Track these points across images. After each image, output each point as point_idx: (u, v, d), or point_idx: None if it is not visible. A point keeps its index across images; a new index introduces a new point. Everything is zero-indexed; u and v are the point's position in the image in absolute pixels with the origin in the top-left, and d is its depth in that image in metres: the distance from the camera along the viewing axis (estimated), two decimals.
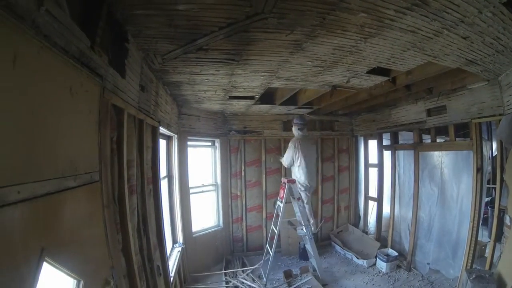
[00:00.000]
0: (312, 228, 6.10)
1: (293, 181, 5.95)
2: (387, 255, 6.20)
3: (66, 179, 1.64)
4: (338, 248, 7.37)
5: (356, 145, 8.23)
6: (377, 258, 6.31)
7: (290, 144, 6.09)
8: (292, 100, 5.94)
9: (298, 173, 5.99)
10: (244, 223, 7.35)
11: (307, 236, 6.05)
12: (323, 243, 7.70)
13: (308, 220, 6.07)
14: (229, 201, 7.24)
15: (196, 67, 3.47)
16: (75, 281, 1.61)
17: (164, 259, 3.97)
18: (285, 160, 6.18)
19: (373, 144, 7.54)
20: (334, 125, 8.02)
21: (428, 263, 5.76)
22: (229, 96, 5.15)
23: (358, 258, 6.61)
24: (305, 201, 6.07)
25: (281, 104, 5.99)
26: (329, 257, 7.10)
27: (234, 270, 6.22)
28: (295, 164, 6.00)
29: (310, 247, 6.14)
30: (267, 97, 5.71)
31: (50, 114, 1.50)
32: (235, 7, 2.15)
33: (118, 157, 2.58)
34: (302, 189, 6.00)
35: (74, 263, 1.62)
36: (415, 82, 4.39)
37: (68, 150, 1.70)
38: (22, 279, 1.19)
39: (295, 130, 6.08)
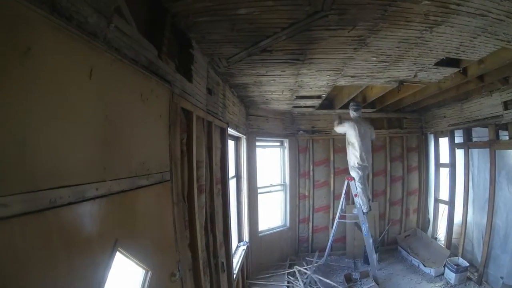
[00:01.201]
0: (364, 209, 5.92)
1: (351, 179, 5.95)
2: (457, 265, 5.60)
3: (139, 178, 1.80)
4: (404, 253, 6.88)
5: (426, 143, 7.59)
6: (446, 268, 5.73)
7: (345, 123, 6.01)
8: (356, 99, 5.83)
9: (352, 153, 5.92)
10: (310, 224, 7.27)
11: (361, 222, 5.88)
12: (389, 247, 7.27)
13: (362, 201, 5.92)
14: (296, 201, 7.21)
15: (261, 68, 3.52)
16: (144, 271, 1.76)
17: (229, 256, 4.10)
18: (337, 130, 6.13)
19: (444, 142, 6.98)
20: (403, 123, 7.53)
21: (502, 277, 5.04)
22: (296, 96, 5.14)
23: (425, 266, 6.10)
24: (357, 179, 5.91)
25: (341, 108, 5.98)
26: (394, 263, 6.67)
27: (297, 269, 6.18)
28: (350, 142, 5.93)
29: (364, 230, 5.89)
30: (334, 96, 5.60)
31: (124, 119, 1.66)
32: (295, 7, 2.15)
33: (188, 158, 2.74)
34: (356, 166, 5.87)
35: (143, 254, 1.77)
36: (489, 71, 3.97)
37: (141, 151, 1.87)
38: (97, 265, 1.34)
39: (351, 112, 6.04)
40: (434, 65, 3.50)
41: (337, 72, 3.74)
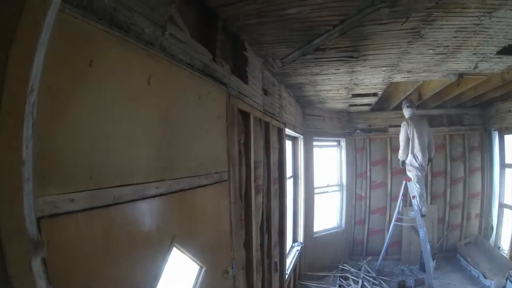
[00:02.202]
0: (422, 210, 5.58)
1: (409, 179, 5.68)
2: None
3: (198, 178, 1.89)
4: (463, 262, 6.19)
5: (490, 141, 6.76)
6: (508, 281, 5.04)
7: (402, 125, 5.73)
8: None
9: (410, 152, 5.64)
10: (366, 226, 7.01)
11: (419, 226, 5.50)
12: (448, 254, 6.63)
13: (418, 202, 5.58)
14: (353, 202, 7.01)
15: (315, 67, 3.49)
16: (198, 267, 1.84)
17: (282, 256, 4.10)
18: (402, 141, 5.75)
19: (510, 139, 6.25)
20: (463, 119, 6.82)
21: None
22: (352, 94, 5.02)
23: (485, 278, 5.45)
24: (415, 180, 5.62)
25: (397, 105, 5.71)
26: (451, 272, 6.07)
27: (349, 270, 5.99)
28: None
29: (421, 234, 5.49)
30: (390, 93, 5.45)
31: (183, 121, 1.76)
32: (345, 2, 2.10)
33: (245, 158, 2.80)
34: (416, 165, 5.58)
35: (199, 251, 1.86)
36: None
37: (200, 152, 1.96)
38: (155, 259, 1.44)
39: (405, 111, 5.77)
40: (496, 54, 3.17)
41: (392, 68, 3.59)
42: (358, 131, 6.99)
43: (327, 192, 6.86)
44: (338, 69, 3.59)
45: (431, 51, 3.05)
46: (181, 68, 1.70)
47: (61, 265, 0.92)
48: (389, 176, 6.92)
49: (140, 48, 1.33)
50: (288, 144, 5.43)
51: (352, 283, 5.59)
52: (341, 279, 5.83)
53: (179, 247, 1.62)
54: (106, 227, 1.14)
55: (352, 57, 3.14)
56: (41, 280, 0.73)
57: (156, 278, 1.42)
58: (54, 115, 0.93)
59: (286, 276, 4.34)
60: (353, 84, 4.33)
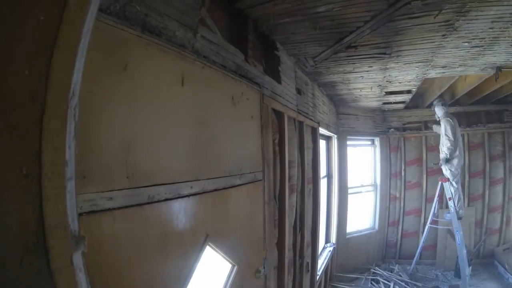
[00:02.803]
0: (459, 212, 5.32)
1: (445, 180, 5.42)
2: None
3: (232, 178, 1.92)
4: (501, 269, 5.72)
5: None
6: None
7: (445, 122, 5.40)
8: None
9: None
10: (400, 227, 6.75)
11: (455, 229, 5.22)
12: (485, 260, 6.18)
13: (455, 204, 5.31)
14: (387, 203, 6.78)
15: (348, 65, 3.44)
16: (230, 265, 1.86)
17: (314, 257, 4.04)
18: (450, 136, 5.36)
19: None
20: (503, 116, 6.28)
21: None
22: (385, 92, 4.91)
23: None
24: (453, 180, 5.38)
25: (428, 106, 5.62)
26: (488, 280, 5.66)
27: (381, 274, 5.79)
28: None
29: (458, 238, 5.17)
30: (425, 89, 5.28)
31: (217, 121, 1.79)
32: None
33: (280, 158, 2.80)
34: (455, 164, 5.37)
35: (231, 250, 1.88)
36: None
37: (234, 152, 1.99)
38: (188, 257, 1.47)
39: (438, 109, 5.55)
40: None
41: (426, 63, 3.46)
42: (392, 129, 6.79)
43: (360, 192, 6.71)
44: (371, 67, 3.51)
45: (466, 44, 2.90)
46: (214, 69, 1.73)
47: (97, 260, 0.96)
48: (424, 176, 6.63)
49: (173, 51, 1.37)
50: (322, 144, 5.36)
51: (383, 287, 5.42)
52: (372, 282, 5.67)
53: (212, 246, 1.65)
54: (141, 224, 1.19)
55: (384, 53, 3.06)
56: (81, 272, 0.77)
57: (188, 276, 1.45)
58: (92, 118, 0.99)
59: (317, 277, 4.29)
60: (386, 81, 4.23)
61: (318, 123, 4.26)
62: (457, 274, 5.71)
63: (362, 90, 4.75)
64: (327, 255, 5.19)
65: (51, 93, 0.76)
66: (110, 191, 1.03)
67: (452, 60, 3.39)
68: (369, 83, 4.29)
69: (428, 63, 3.47)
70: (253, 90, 2.26)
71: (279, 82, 2.78)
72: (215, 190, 1.72)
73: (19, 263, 0.66)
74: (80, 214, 0.86)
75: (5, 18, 0.65)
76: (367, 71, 3.69)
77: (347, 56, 3.14)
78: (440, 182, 5.61)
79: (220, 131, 1.81)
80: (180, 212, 1.45)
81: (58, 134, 0.80)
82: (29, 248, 0.68)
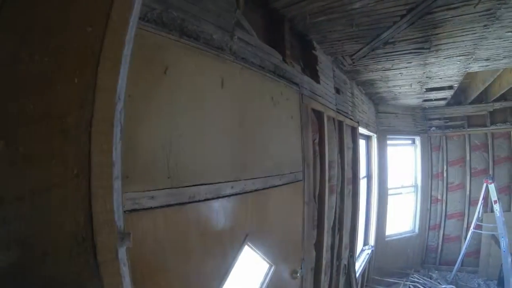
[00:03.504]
0: None
1: (491, 181, 5.04)
2: None
3: (272, 178, 1.93)
4: None
5: None
6: None
7: None
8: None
9: None
10: (441, 231, 6.34)
11: (500, 235, 4.79)
12: None
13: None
14: (428, 205, 6.41)
15: (386, 62, 3.34)
16: (268, 265, 1.86)
17: (352, 259, 3.92)
18: None
19: None
20: None
21: None
22: (426, 89, 4.67)
23: None
24: None
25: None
26: None
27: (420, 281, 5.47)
28: None
29: (503, 245, 4.75)
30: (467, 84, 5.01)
31: (257, 122, 1.81)
32: None
33: (320, 158, 2.77)
34: None
35: (270, 250, 1.88)
36: None
37: (275, 152, 1.99)
38: (227, 255, 1.50)
39: None
40: None
41: (467, 56, 3.24)
42: (433, 128, 6.41)
43: (400, 193, 6.41)
44: (410, 62, 3.37)
45: (510, 33, 2.67)
46: (252, 70, 1.75)
47: (138, 256, 1.01)
48: (468, 177, 6.16)
49: (211, 53, 1.41)
50: (362, 143, 5.20)
51: None
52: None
53: (251, 246, 1.66)
54: (181, 223, 1.23)
55: (423, 48, 2.93)
56: (125, 266, 0.82)
57: (226, 274, 1.48)
58: (134, 121, 1.04)
59: (354, 279, 4.16)
60: (426, 77, 4.02)
61: (358, 122, 4.14)
62: (501, 283, 5.24)
63: (402, 88, 4.57)
64: (365, 258, 5.02)
65: (98, 99, 0.82)
66: (152, 190, 1.08)
67: (496, 52, 3.15)
68: (408, 79, 4.11)
69: (470, 56, 3.25)
70: (292, 90, 2.26)
71: (317, 81, 2.74)
72: (256, 190, 1.74)
73: (69, 255, 0.72)
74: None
75: (54, 30, 0.71)
76: (406, 67, 3.55)
77: (385, 53, 3.04)
78: (485, 184, 5.20)
79: (260, 132, 1.83)
80: (220, 211, 1.48)
81: (106, 136, 0.85)
82: (78, 242, 0.73)
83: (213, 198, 1.40)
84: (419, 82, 4.27)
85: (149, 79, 1.12)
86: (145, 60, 1.09)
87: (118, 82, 0.87)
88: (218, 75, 1.47)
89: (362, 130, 4.56)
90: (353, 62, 3.25)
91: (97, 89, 0.81)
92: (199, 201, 1.32)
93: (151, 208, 1.08)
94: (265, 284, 1.85)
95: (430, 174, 6.45)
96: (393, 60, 3.28)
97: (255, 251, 1.72)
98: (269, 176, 1.88)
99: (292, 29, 2.38)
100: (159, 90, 1.15)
